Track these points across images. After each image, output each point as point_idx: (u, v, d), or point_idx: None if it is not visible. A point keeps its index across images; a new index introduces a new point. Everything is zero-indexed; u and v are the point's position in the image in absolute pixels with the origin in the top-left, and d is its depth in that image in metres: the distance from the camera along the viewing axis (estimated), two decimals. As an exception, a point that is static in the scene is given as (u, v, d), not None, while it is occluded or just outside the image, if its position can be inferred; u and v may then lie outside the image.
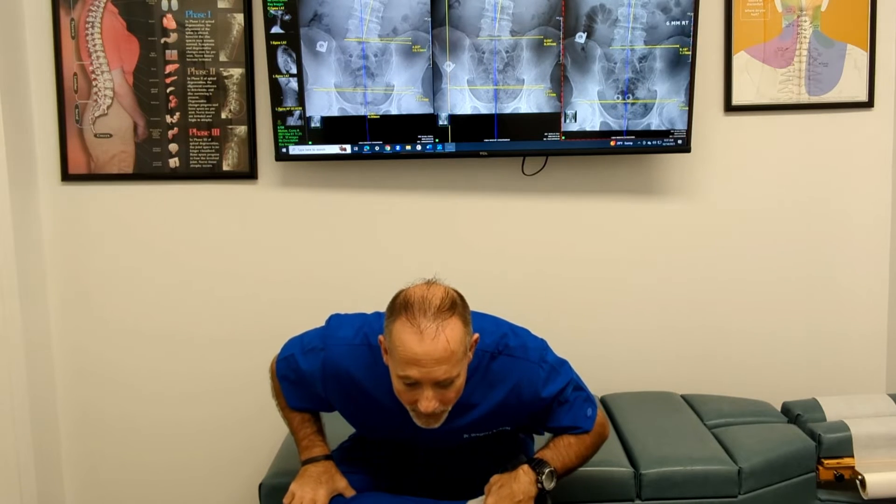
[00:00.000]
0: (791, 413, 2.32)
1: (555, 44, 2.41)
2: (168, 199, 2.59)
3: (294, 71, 2.43)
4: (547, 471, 1.72)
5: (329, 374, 1.74)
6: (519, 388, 1.72)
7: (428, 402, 1.56)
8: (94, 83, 2.53)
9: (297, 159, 2.50)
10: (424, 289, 1.61)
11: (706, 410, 2.36)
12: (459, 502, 1.75)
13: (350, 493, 1.77)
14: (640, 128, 2.46)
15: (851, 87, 2.57)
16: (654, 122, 2.45)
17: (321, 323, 1.90)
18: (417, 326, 1.53)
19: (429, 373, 1.53)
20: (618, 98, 2.44)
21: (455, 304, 1.59)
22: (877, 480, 2.10)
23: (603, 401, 2.49)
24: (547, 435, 1.87)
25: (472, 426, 1.75)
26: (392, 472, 1.90)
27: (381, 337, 1.64)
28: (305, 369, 1.78)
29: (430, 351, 1.52)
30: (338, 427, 1.97)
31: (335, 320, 1.84)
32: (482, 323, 1.73)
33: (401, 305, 1.58)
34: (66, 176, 2.56)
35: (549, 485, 1.72)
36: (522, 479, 1.70)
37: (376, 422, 1.79)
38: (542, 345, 1.79)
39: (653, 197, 2.62)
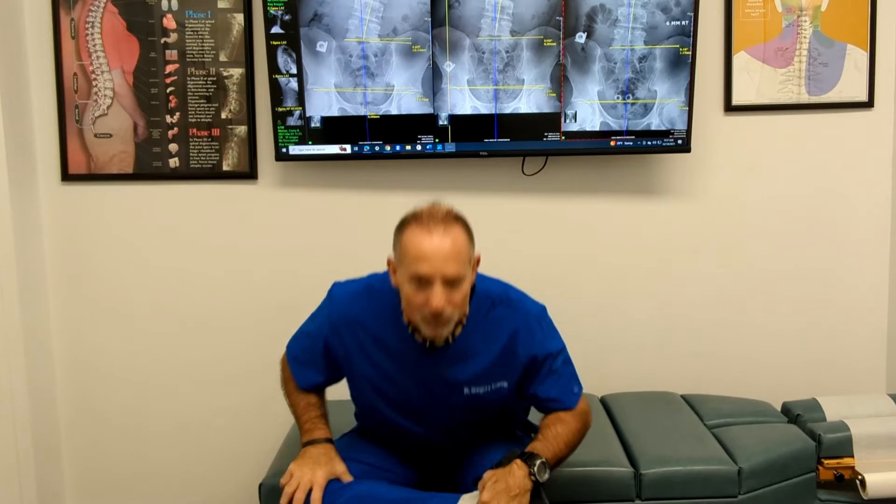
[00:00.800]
0: (791, 413, 2.32)
1: (555, 44, 2.41)
2: (168, 199, 2.59)
3: (294, 71, 2.43)
4: (539, 462, 1.73)
5: (337, 323, 1.82)
6: (515, 337, 1.78)
7: (438, 298, 1.61)
8: (94, 83, 2.53)
9: (297, 159, 2.50)
10: (431, 204, 1.72)
11: (706, 410, 2.36)
12: (453, 495, 1.75)
13: (348, 478, 1.76)
14: (640, 128, 2.46)
15: (851, 87, 2.57)
16: (654, 122, 2.45)
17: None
18: (427, 227, 1.64)
19: (438, 268, 1.61)
20: (618, 98, 2.44)
21: (460, 217, 1.70)
22: (877, 480, 2.10)
23: (603, 401, 2.49)
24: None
25: (472, 379, 1.79)
26: (390, 463, 1.90)
27: (389, 257, 1.75)
28: (314, 331, 1.87)
29: (438, 247, 1.62)
30: (338, 423, 1.97)
31: (336, 286, 1.91)
32: (485, 280, 1.83)
33: (409, 217, 1.69)
34: (66, 176, 2.56)
35: (543, 476, 1.72)
36: (517, 473, 1.70)
37: (384, 370, 1.81)
38: (542, 308, 1.85)
39: (653, 197, 2.62)
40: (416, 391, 1.81)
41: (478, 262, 1.75)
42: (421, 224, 1.65)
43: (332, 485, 1.74)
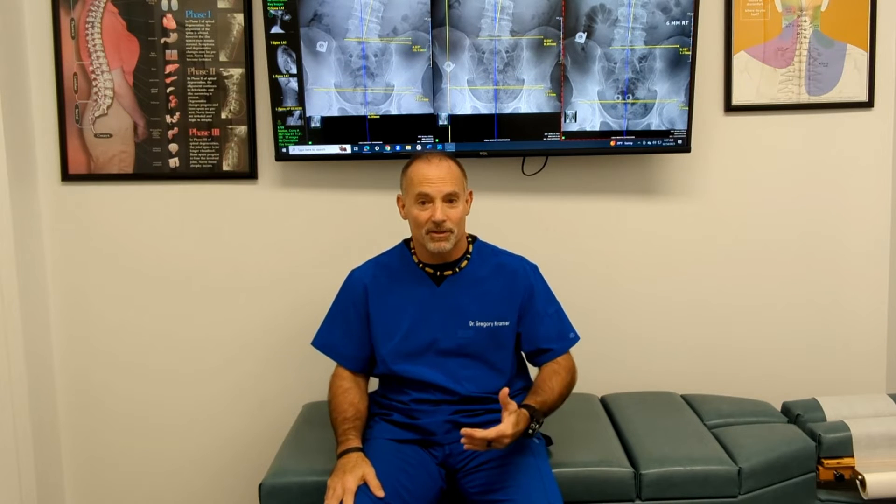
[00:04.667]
0: (791, 413, 2.32)
1: (555, 44, 2.41)
2: (168, 199, 2.59)
3: (294, 71, 2.43)
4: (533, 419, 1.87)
5: (357, 277, 2.09)
6: (515, 274, 2.06)
7: (439, 211, 1.92)
8: (94, 83, 2.53)
9: (297, 159, 2.50)
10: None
11: (706, 410, 2.36)
12: None
13: (374, 480, 1.80)
14: (640, 128, 2.46)
15: (851, 87, 2.57)
16: (654, 122, 2.45)
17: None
18: (427, 158, 1.98)
19: (438, 188, 1.93)
20: (618, 98, 2.44)
21: (455, 159, 2.02)
22: (877, 480, 2.10)
23: (603, 401, 2.49)
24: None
25: (477, 307, 2.01)
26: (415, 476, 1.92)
27: (398, 196, 2.04)
28: (337, 309, 2.10)
29: (437, 171, 1.95)
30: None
31: (349, 273, 2.15)
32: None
33: (412, 157, 2.01)
34: (66, 176, 2.56)
35: (534, 426, 1.87)
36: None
37: (400, 310, 2.02)
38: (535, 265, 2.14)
39: (653, 197, 2.62)
40: (427, 326, 2.00)
41: (471, 197, 2.07)
42: (421, 158, 1.98)
43: (362, 497, 1.77)
